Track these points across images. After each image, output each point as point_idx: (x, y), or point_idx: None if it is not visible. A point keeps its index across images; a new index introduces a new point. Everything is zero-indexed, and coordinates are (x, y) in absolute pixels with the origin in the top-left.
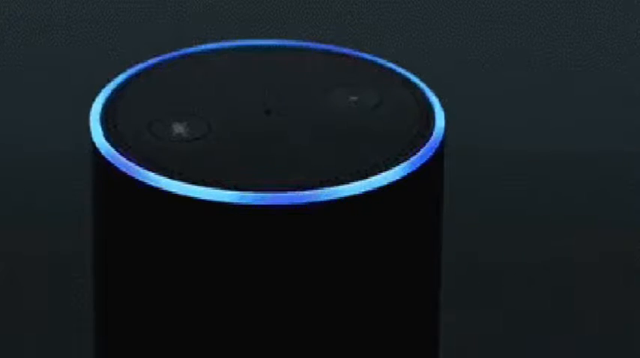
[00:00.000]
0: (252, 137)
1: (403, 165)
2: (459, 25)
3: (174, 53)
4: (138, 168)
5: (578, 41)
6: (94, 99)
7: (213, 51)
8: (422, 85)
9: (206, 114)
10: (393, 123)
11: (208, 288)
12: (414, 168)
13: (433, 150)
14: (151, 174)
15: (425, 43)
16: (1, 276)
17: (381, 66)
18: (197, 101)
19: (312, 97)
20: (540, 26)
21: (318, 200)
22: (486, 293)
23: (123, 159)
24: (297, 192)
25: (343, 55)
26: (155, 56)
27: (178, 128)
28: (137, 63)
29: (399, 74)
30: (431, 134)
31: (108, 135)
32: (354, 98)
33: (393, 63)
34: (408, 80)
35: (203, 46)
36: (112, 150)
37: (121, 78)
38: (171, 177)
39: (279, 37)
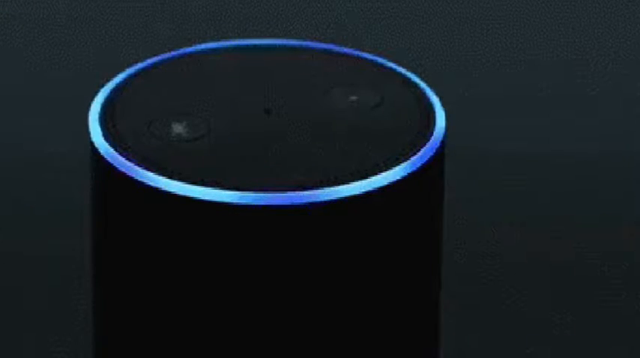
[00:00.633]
0: (252, 137)
1: (403, 165)
2: (460, 24)
3: (174, 53)
4: (137, 168)
5: (578, 41)
6: (93, 99)
7: (212, 50)
8: (422, 85)
9: (205, 114)
10: (393, 122)
11: (208, 289)
12: (415, 168)
13: (434, 150)
14: (151, 174)
15: (425, 43)
16: (0, 276)
17: (382, 65)
18: (196, 101)
19: (312, 97)
20: (541, 26)
21: (318, 200)
22: (486, 293)
23: (122, 159)
24: (297, 192)
25: (343, 54)
26: (154, 56)
27: (178, 128)
28: (136, 62)
29: (400, 74)
30: (431, 134)
31: (107, 135)
32: (354, 98)
33: (394, 62)
34: (408, 80)
35: (202, 46)
36: (111, 150)
37: (120, 77)
38: (171, 177)
39: (279, 36)
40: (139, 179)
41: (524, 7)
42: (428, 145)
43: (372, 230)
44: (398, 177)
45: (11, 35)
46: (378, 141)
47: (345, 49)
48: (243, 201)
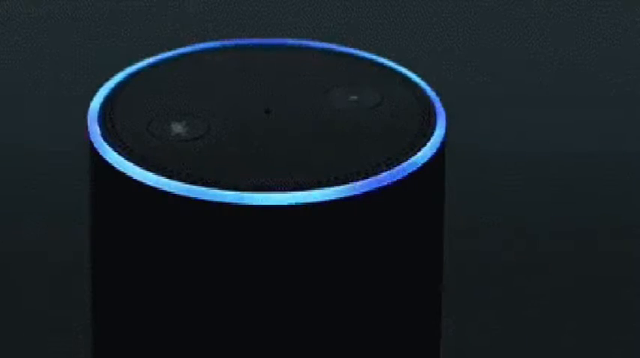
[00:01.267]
0: (252, 137)
1: (404, 165)
2: (460, 24)
3: (173, 52)
4: (136, 168)
5: (578, 41)
6: (92, 99)
7: (212, 50)
8: (423, 84)
9: (205, 113)
10: (393, 122)
11: (208, 289)
12: (415, 168)
13: (434, 150)
14: (150, 174)
15: (425, 42)
16: (0, 276)
17: (382, 65)
18: (196, 100)
19: (312, 97)
20: (541, 26)
21: (318, 200)
22: (487, 293)
23: (121, 159)
24: (297, 192)
25: (343, 54)
26: (154, 55)
27: (177, 127)
28: (135, 62)
29: (400, 73)
30: (432, 134)
31: (106, 135)
32: (354, 97)
33: (394, 62)
34: (408, 79)
35: (202, 45)
36: (110, 150)
37: (119, 77)
38: (170, 177)
39: (278, 35)
40: (138, 179)
41: (525, 6)
42: (428, 145)
43: (373, 230)
44: (398, 178)
45: (10, 35)
46: (378, 141)
47: (345, 49)
48: (242, 201)
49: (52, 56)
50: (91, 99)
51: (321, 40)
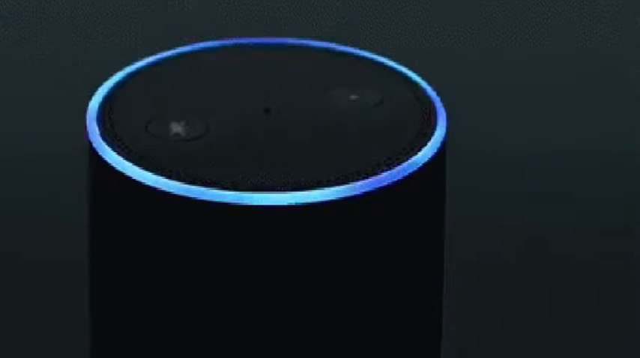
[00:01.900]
0: (252, 136)
1: (404, 164)
2: (461, 23)
3: (172, 51)
4: (135, 167)
5: (578, 41)
6: (91, 98)
7: (211, 49)
8: (423, 84)
9: (204, 113)
10: (394, 122)
11: (207, 289)
12: (416, 168)
13: (435, 150)
14: (149, 174)
15: (426, 42)
16: (0, 276)
17: (382, 64)
18: (195, 100)
19: (312, 96)
20: (541, 25)
21: (318, 200)
22: (487, 293)
23: (120, 159)
24: (297, 192)
25: (343, 53)
26: (153, 54)
27: (176, 127)
28: (134, 61)
29: (400, 73)
30: (432, 133)
31: (105, 135)
32: (354, 97)
33: (394, 61)
34: (409, 79)
35: (201, 44)
36: (109, 150)
37: (118, 76)
38: (169, 177)
39: (278, 35)
40: (137, 179)
41: (526, 5)
42: (429, 145)
43: (373, 230)
44: (399, 178)
45: (9, 34)
46: (378, 141)
47: (346, 48)
48: (242, 201)
49: (51, 55)
50: (89, 98)
51: (322, 39)
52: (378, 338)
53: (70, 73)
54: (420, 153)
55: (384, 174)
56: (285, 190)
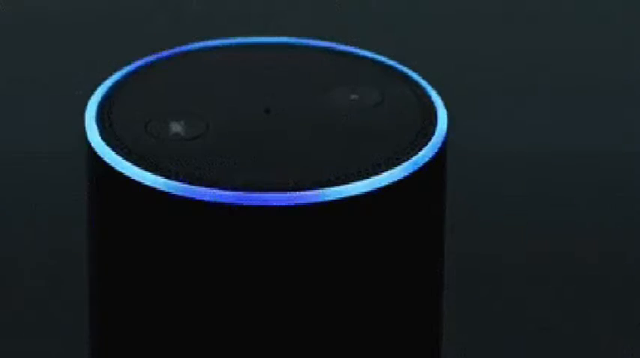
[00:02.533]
0: (252, 136)
1: (405, 164)
2: (462, 22)
3: (172, 51)
4: (134, 167)
5: (579, 41)
6: (90, 98)
7: (211, 48)
8: (424, 83)
9: (204, 113)
10: (394, 121)
11: (207, 290)
12: (416, 168)
13: (435, 150)
14: (148, 174)
15: (426, 41)
16: (0, 276)
17: (382, 64)
18: (195, 100)
19: (312, 96)
20: (542, 25)
21: (318, 200)
22: (488, 293)
23: (119, 159)
24: (297, 192)
25: (344, 52)
26: (152, 54)
27: (176, 127)
28: (133, 60)
29: (401, 72)
30: (433, 133)
31: (104, 135)
32: (354, 96)
33: (395, 61)
34: (409, 78)
35: (201, 44)
36: (108, 150)
37: (117, 76)
38: (169, 177)
39: (278, 34)
40: (136, 179)
41: (526, 5)
42: (429, 145)
43: (373, 230)
44: (399, 177)
45: (8, 34)
46: (379, 141)
47: (346, 48)
48: (242, 202)
49: (50, 55)
50: (88, 98)
51: (322, 38)
52: (378, 338)
53: (69, 72)
54: (420, 153)
55: (384, 174)
56: (284, 190)
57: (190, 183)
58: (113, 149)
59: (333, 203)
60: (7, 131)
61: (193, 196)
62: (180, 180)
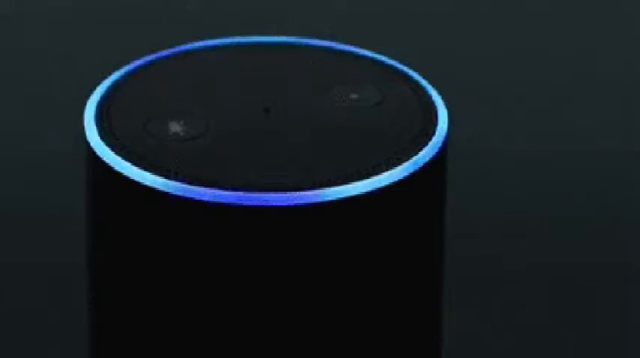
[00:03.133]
0: (251, 136)
1: (405, 164)
2: (462, 22)
3: (171, 50)
4: (133, 167)
5: (579, 41)
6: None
7: (210, 48)
8: (424, 83)
9: (203, 112)
10: (394, 121)
11: (207, 291)
12: (417, 168)
13: (436, 150)
14: (147, 174)
15: (427, 40)
16: None
17: (383, 63)
18: (194, 99)
19: (312, 95)
20: (543, 25)
21: (319, 200)
22: (488, 293)
23: (118, 159)
24: (297, 192)
25: (344, 52)
26: (151, 53)
27: (175, 127)
28: (133, 60)
29: (401, 72)
30: (434, 133)
31: (103, 134)
32: (354, 96)
33: (395, 60)
34: (410, 78)
35: (200, 43)
36: (107, 150)
37: (116, 75)
38: (168, 177)
39: (278, 33)
40: (136, 179)
41: (527, 4)
42: (430, 144)
43: (373, 230)
44: (400, 177)
45: (7, 34)
46: (379, 141)
47: (346, 47)
48: (241, 202)
49: (49, 54)
50: (87, 98)
51: (322, 38)
52: (379, 339)
53: (68, 72)
54: (420, 153)
55: (385, 174)
56: (284, 190)
57: (190, 183)
58: (112, 149)
59: (333, 203)
60: (5, 131)
61: (193, 196)
62: (180, 180)
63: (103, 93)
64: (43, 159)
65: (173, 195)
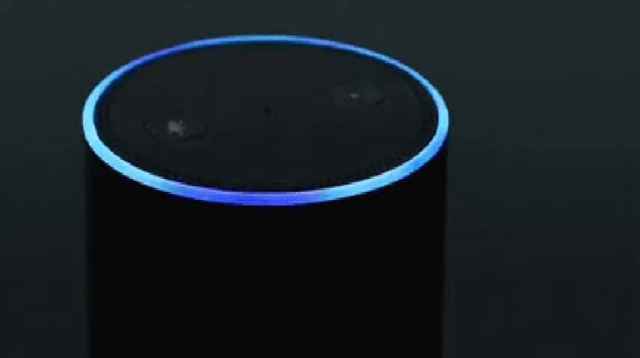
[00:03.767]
0: (251, 136)
1: (406, 164)
2: (463, 21)
3: (170, 49)
4: (133, 167)
5: (580, 41)
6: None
7: (210, 47)
8: (425, 82)
9: (203, 112)
10: (395, 121)
11: (206, 291)
12: (417, 168)
13: (437, 149)
14: (146, 174)
15: (428, 40)
16: (0, 276)
17: (383, 62)
18: (194, 99)
19: (312, 95)
20: (543, 25)
21: (319, 200)
22: (489, 293)
23: (117, 159)
24: (297, 192)
25: (344, 51)
26: (150, 52)
27: (174, 126)
28: (132, 59)
29: (402, 71)
30: (434, 132)
31: (102, 134)
32: (355, 95)
33: (396, 59)
34: (410, 77)
35: (200, 43)
36: (106, 149)
37: (115, 75)
38: (167, 177)
39: (278, 32)
40: (135, 179)
41: (528, 4)
42: (431, 144)
43: (374, 230)
44: (400, 177)
45: (6, 33)
46: (379, 140)
47: (346, 46)
48: (241, 202)
49: (47, 54)
50: (86, 97)
51: (322, 37)
52: (379, 339)
53: (67, 71)
54: (421, 153)
55: (385, 174)
56: (284, 190)
57: (189, 183)
58: (111, 149)
59: (333, 203)
60: (3, 131)
61: (192, 196)
62: (179, 180)
63: (102, 92)
64: (42, 158)
65: (172, 195)
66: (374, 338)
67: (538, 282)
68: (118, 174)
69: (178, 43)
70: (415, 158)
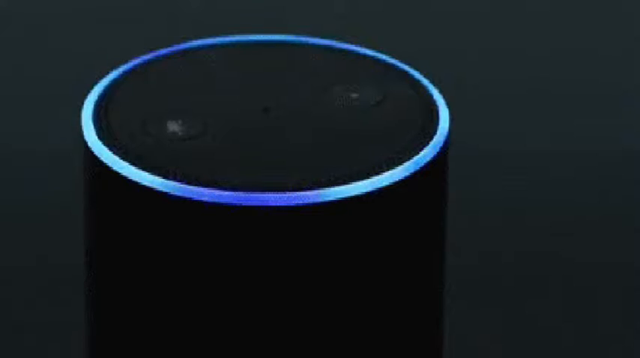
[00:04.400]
0: (250, 136)
1: (406, 164)
2: (463, 21)
3: (169, 49)
4: (132, 167)
5: (580, 41)
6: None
7: (209, 47)
8: (425, 82)
9: (202, 112)
10: (395, 121)
11: (206, 291)
12: (418, 168)
13: (437, 149)
14: (145, 174)
15: (428, 39)
16: None
17: (383, 62)
18: (193, 98)
19: (312, 95)
20: (543, 25)
21: (319, 200)
22: (489, 292)
23: (116, 159)
24: (296, 192)
25: (344, 51)
26: (149, 52)
27: (173, 126)
28: (131, 59)
29: (402, 71)
30: (435, 132)
31: (101, 134)
32: (355, 95)
33: (396, 59)
34: (411, 77)
35: (199, 42)
36: (105, 149)
37: (114, 74)
38: (166, 177)
39: (278, 32)
40: (134, 179)
41: (528, 4)
42: (431, 144)
43: (374, 230)
44: (400, 177)
45: (6, 33)
46: (380, 140)
47: (347, 46)
48: (241, 202)
49: (46, 54)
50: (85, 97)
51: (322, 36)
52: (379, 339)
53: (66, 71)
54: (421, 153)
55: (385, 174)
56: (284, 190)
57: (188, 183)
58: (110, 149)
59: (333, 203)
60: (4, 130)
61: (191, 196)
62: (178, 180)
63: (100, 92)
64: (41, 158)
65: (172, 195)
66: (374, 338)
67: (538, 282)
68: (117, 174)
69: (177, 43)
70: (415, 158)
